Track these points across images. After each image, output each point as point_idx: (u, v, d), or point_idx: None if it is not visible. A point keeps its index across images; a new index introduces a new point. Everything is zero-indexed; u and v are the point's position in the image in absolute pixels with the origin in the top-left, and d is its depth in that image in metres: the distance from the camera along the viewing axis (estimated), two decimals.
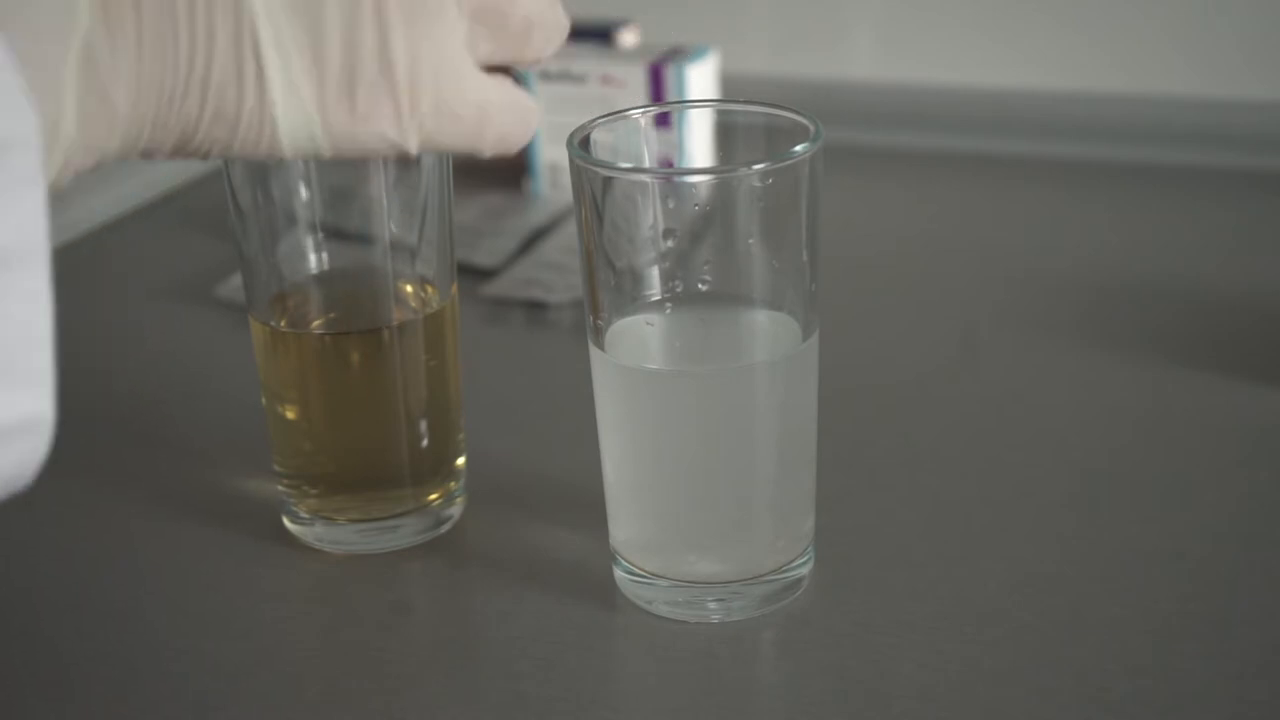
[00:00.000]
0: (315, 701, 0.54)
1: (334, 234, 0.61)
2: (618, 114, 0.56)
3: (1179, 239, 0.90)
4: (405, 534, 0.62)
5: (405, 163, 0.59)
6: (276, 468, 0.63)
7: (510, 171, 1.01)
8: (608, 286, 0.54)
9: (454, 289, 0.62)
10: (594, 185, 0.53)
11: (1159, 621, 0.55)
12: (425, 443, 0.62)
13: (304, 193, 0.59)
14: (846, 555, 0.59)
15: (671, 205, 0.53)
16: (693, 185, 0.53)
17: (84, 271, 0.93)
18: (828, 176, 0.54)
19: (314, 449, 0.62)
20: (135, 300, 0.89)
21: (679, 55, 0.94)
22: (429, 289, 0.61)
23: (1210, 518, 0.62)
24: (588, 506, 0.61)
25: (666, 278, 0.54)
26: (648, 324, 0.55)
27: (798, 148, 0.52)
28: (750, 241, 0.53)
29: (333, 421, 0.62)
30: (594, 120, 0.55)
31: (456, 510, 0.64)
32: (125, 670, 0.56)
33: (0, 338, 0.36)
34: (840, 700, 0.52)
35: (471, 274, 0.86)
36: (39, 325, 0.36)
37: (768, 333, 0.55)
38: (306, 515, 0.62)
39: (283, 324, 0.61)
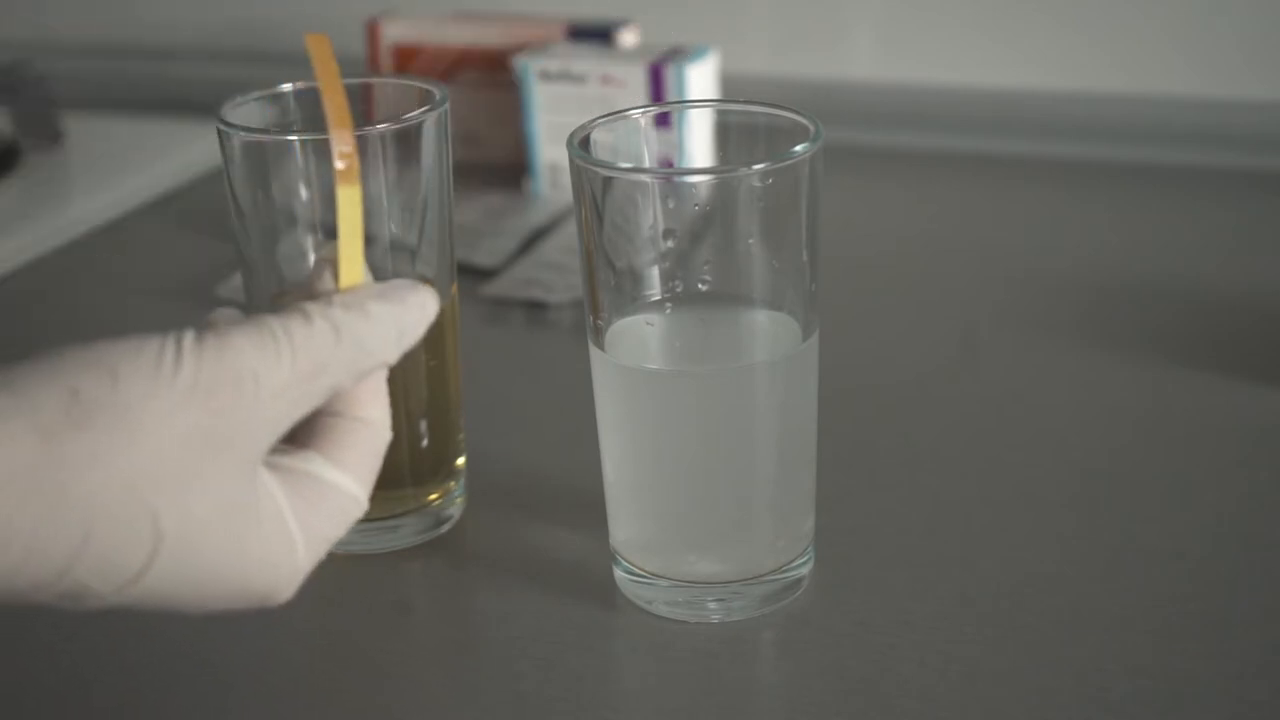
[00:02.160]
0: (316, 701, 0.54)
1: (334, 234, 0.61)
2: (618, 114, 0.56)
3: (1179, 239, 0.90)
4: (405, 534, 0.62)
5: (405, 162, 0.59)
6: None
7: (510, 171, 1.01)
8: (608, 286, 0.54)
9: (454, 289, 0.62)
10: (594, 185, 0.53)
11: (1159, 621, 0.55)
12: (425, 443, 0.62)
13: (304, 193, 0.59)
14: (846, 555, 0.59)
15: (671, 205, 0.53)
16: (693, 185, 0.53)
17: (84, 271, 0.93)
18: (828, 176, 0.54)
19: None
20: (135, 300, 0.89)
21: (679, 55, 0.94)
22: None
23: (1210, 518, 0.62)
24: (588, 506, 0.61)
25: (666, 278, 0.54)
26: (648, 324, 0.55)
27: (798, 148, 0.52)
28: (750, 241, 0.53)
29: None
30: (594, 120, 0.55)
31: (456, 510, 0.64)
32: (126, 671, 0.56)
33: None
34: (840, 700, 0.52)
35: (471, 274, 0.86)
36: None
37: (768, 333, 0.55)
38: None
39: None
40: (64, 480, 0.38)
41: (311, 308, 0.43)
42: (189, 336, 0.40)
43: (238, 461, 0.41)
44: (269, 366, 0.41)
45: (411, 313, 0.45)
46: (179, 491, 0.40)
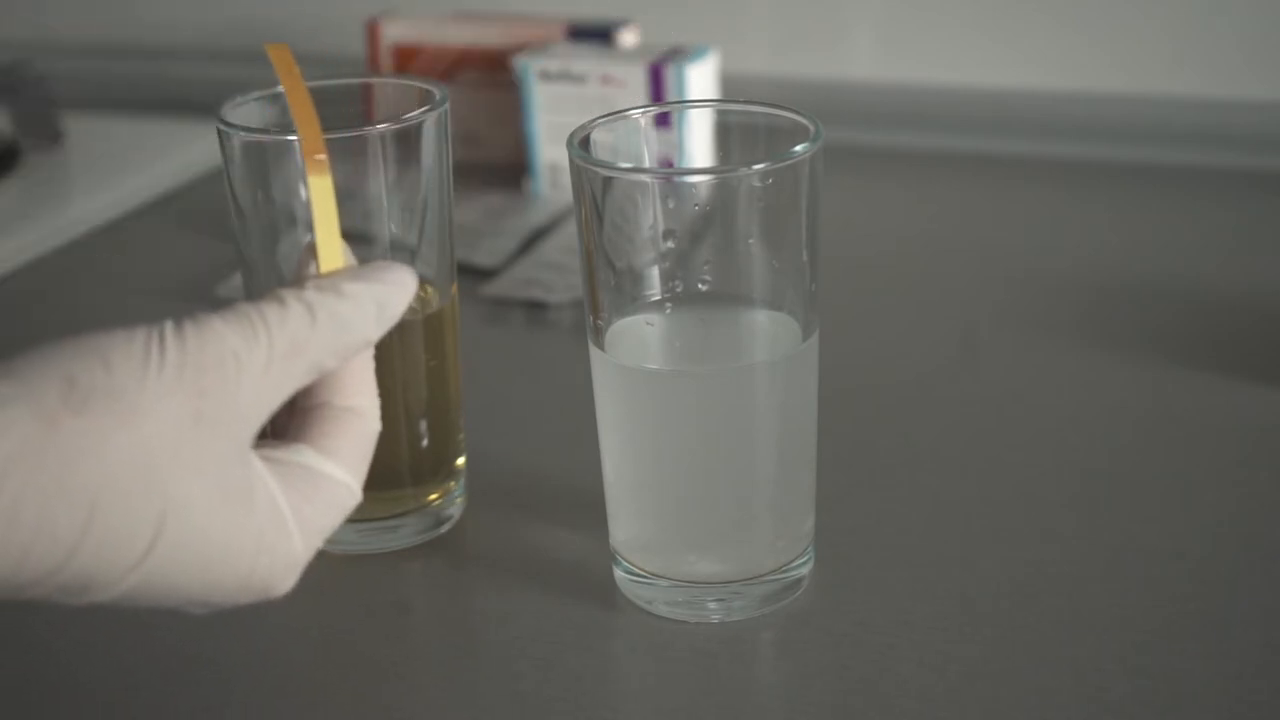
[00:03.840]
0: (316, 701, 0.54)
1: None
2: (618, 114, 0.56)
3: (1179, 239, 0.90)
4: (405, 534, 0.62)
5: (405, 162, 0.59)
6: None
7: (510, 171, 1.01)
8: (608, 286, 0.54)
9: (454, 289, 0.62)
10: (594, 185, 0.53)
11: (1159, 621, 0.55)
12: (425, 443, 0.62)
13: (304, 193, 0.59)
14: (846, 555, 0.59)
15: (671, 205, 0.53)
16: (693, 185, 0.53)
17: (84, 271, 0.93)
18: (828, 176, 0.54)
19: None
20: (135, 300, 0.89)
21: (679, 55, 0.94)
22: (429, 289, 0.61)
23: (1210, 518, 0.62)
24: (588, 506, 0.61)
25: (666, 278, 0.54)
26: (648, 324, 0.55)
27: (798, 148, 0.52)
28: (750, 241, 0.53)
29: None
30: (594, 120, 0.55)
31: (456, 510, 0.64)
32: (126, 672, 0.56)
33: None
34: (840, 700, 0.52)
35: (471, 274, 0.86)
36: None
37: (768, 333, 0.55)
38: None
39: None
40: (67, 461, 0.39)
41: (286, 291, 0.44)
42: (169, 325, 0.42)
43: (228, 442, 0.42)
44: (248, 347, 0.42)
45: (390, 289, 0.46)
46: (175, 472, 0.40)
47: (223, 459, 0.41)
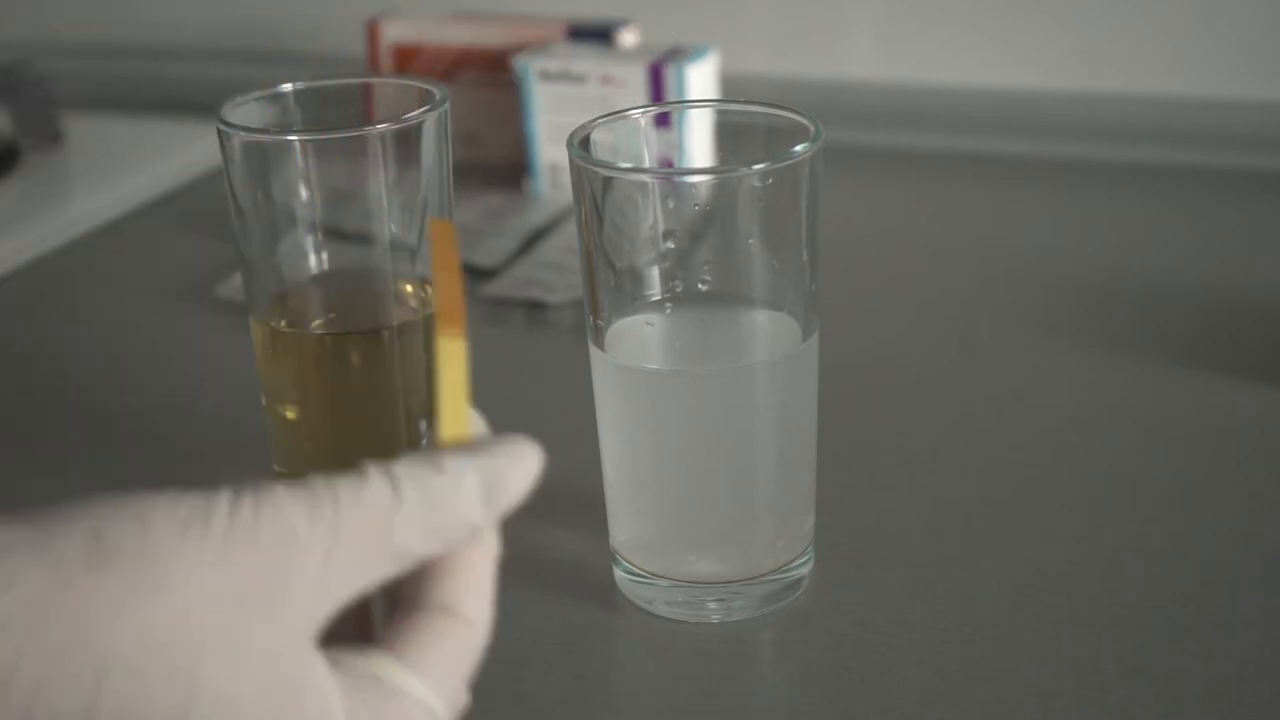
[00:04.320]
0: None
1: (334, 234, 0.61)
2: (618, 114, 0.56)
3: (1179, 239, 0.90)
4: None
5: (405, 162, 0.59)
6: (277, 468, 0.63)
7: (510, 171, 1.01)
8: (608, 286, 0.54)
9: None
10: (594, 185, 0.53)
11: (1159, 621, 0.55)
12: (425, 443, 0.62)
13: (304, 193, 0.59)
14: (846, 555, 0.59)
15: (671, 205, 0.53)
16: (693, 185, 0.53)
17: (84, 271, 0.93)
18: (828, 176, 0.54)
19: (314, 449, 0.62)
20: (135, 300, 0.89)
21: (679, 55, 0.94)
22: (429, 289, 0.61)
23: (1210, 518, 0.62)
24: (588, 506, 0.61)
25: (666, 278, 0.54)
26: (648, 324, 0.55)
27: (798, 148, 0.52)
28: (750, 241, 0.53)
29: (333, 422, 0.62)
30: (594, 120, 0.55)
31: None
32: None
33: None
34: (840, 700, 0.52)
35: (471, 274, 0.86)
36: None
37: (768, 333, 0.55)
38: None
39: (283, 324, 0.61)
40: (76, 623, 0.34)
41: (370, 466, 0.38)
42: (225, 492, 0.37)
43: (280, 633, 0.36)
44: (310, 525, 0.36)
45: (504, 464, 0.39)
46: (208, 655, 0.35)
47: (269, 651, 0.36)
